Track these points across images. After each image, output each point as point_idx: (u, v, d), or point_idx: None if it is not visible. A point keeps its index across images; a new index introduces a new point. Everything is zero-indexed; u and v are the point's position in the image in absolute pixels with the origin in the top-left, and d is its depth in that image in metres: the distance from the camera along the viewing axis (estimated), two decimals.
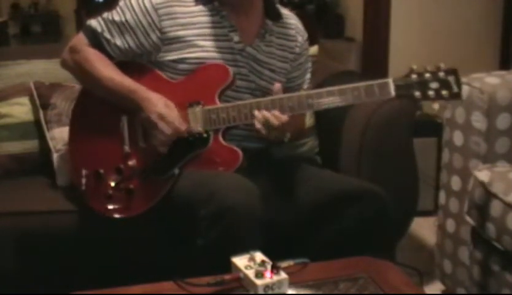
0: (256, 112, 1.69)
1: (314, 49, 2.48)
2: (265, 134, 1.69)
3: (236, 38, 1.84)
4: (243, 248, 1.38)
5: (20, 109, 2.23)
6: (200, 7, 1.84)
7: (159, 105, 1.73)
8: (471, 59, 3.29)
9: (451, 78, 1.62)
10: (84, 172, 1.82)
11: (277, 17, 1.92)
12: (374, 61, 3.65)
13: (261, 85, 1.88)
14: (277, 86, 1.74)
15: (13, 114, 2.22)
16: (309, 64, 2.04)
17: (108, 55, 1.83)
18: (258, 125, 1.68)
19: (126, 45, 1.82)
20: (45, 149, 2.16)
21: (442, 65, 1.63)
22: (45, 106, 2.18)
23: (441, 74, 1.63)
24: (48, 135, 2.15)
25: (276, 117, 1.68)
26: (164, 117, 1.72)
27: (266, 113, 1.68)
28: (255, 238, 1.53)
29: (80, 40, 1.86)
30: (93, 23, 1.85)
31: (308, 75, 2.02)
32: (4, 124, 2.21)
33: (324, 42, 3.85)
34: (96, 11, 1.90)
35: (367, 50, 3.78)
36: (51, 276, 1.85)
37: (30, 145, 2.21)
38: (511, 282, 1.85)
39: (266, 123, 1.67)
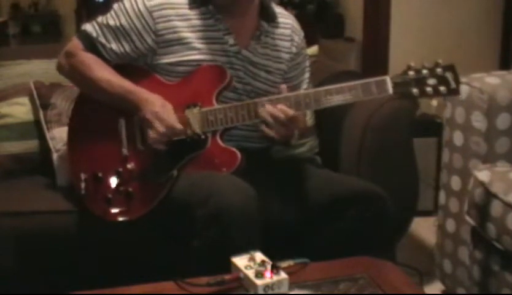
0: (260, 110, 1.68)
1: (314, 49, 2.48)
2: (272, 132, 1.67)
3: (231, 41, 1.83)
4: (240, 249, 1.38)
5: (20, 109, 2.23)
6: (194, 10, 1.83)
7: (156, 105, 1.73)
8: (471, 59, 3.29)
9: (449, 75, 1.62)
10: (83, 176, 1.81)
11: (272, 18, 1.91)
12: (374, 61, 3.65)
13: (258, 86, 1.88)
14: (283, 88, 1.73)
15: (13, 114, 2.22)
16: (307, 63, 2.03)
17: (104, 59, 1.83)
18: (263, 125, 1.67)
19: (122, 50, 1.82)
20: (45, 149, 2.16)
21: (440, 61, 1.63)
22: (45, 106, 2.18)
23: (439, 70, 1.62)
24: (48, 135, 2.15)
25: (283, 111, 1.66)
26: (159, 116, 1.71)
27: (271, 108, 1.67)
28: (252, 239, 1.53)
29: (76, 45, 1.85)
30: (88, 27, 1.85)
31: (307, 75, 2.01)
32: (4, 124, 2.21)
33: (324, 42, 3.85)
34: (96, 11, 1.90)
35: (367, 50, 3.78)
36: (51, 276, 1.85)
37: (30, 145, 2.21)
38: (511, 282, 1.85)
39: (273, 119, 1.66)
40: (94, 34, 1.83)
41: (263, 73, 1.89)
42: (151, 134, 1.72)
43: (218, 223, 1.54)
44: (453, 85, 1.62)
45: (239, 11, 1.85)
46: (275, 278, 1.29)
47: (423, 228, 2.77)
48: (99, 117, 1.85)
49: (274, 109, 1.66)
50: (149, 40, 1.81)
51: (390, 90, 1.64)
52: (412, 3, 3.56)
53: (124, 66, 1.84)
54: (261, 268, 1.31)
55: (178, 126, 1.73)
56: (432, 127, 2.99)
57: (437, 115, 2.95)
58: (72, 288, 1.37)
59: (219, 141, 1.75)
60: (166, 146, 1.74)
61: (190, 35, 1.81)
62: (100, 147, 1.83)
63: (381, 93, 1.65)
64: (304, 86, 1.98)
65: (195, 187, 1.66)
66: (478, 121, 2.01)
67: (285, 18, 1.97)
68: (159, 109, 1.72)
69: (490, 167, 1.99)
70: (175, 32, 1.80)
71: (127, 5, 1.82)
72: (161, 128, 1.71)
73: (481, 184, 1.93)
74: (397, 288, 1.37)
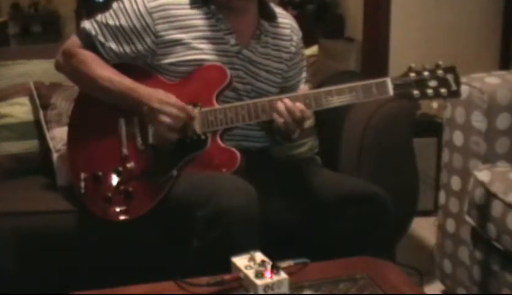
0: (279, 104, 1.68)
1: (314, 49, 2.48)
2: (283, 126, 1.68)
3: (232, 41, 1.83)
4: (240, 250, 1.38)
5: (20, 109, 2.23)
6: (195, 10, 1.83)
7: (160, 94, 1.73)
8: (471, 59, 3.29)
9: (449, 77, 1.62)
10: (83, 175, 1.81)
11: (272, 17, 1.91)
12: (374, 61, 3.64)
13: (258, 86, 1.88)
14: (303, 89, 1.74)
15: (13, 114, 2.22)
16: (304, 63, 2.04)
17: (102, 57, 1.82)
18: (279, 119, 1.67)
19: (121, 50, 1.81)
20: (45, 149, 2.16)
21: (440, 63, 1.63)
22: (45, 106, 2.18)
23: (440, 72, 1.62)
24: (48, 135, 2.15)
25: (300, 109, 1.66)
26: (167, 101, 1.71)
27: (290, 104, 1.67)
28: (252, 240, 1.53)
29: (74, 42, 1.85)
30: (87, 25, 1.84)
31: (304, 74, 2.02)
32: (4, 124, 2.21)
33: (324, 42, 3.85)
34: (95, 11, 1.90)
35: (367, 50, 3.78)
36: (51, 276, 1.85)
37: (30, 145, 2.21)
38: (511, 282, 1.85)
39: (290, 114, 1.66)
40: (93, 32, 1.82)
41: (263, 72, 1.89)
42: (164, 119, 1.70)
43: (219, 223, 1.54)
44: (454, 87, 1.62)
45: (240, 10, 1.85)
46: (275, 278, 1.29)
47: (423, 228, 2.77)
48: (99, 116, 1.85)
49: (292, 104, 1.67)
50: (148, 41, 1.80)
51: (391, 91, 1.64)
52: (412, 4, 3.55)
53: (124, 65, 1.83)
54: (261, 268, 1.31)
55: (188, 107, 1.72)
56: (432, 127, 2.99)
57: (437, 115, 2.95)
58: (72, 288, 1.37)
59: (219, 141, 1.75)
60: (176, 135, 1.73)
61: (190, 36, 1.81)
62: (100, 146, 1.83)
63: (381, 95, 1.65)
64: (301, 85, 1.98)
65: (196, 188, 1.66)
66: (478, 121, 2.01)
67: (284, 18, 1.97)
68: (164, 96, 1.72)
69: (490, 167, 1.99)
70: (175, 33, 1.80)
71: (127, 5, 1.81)
72: (173, 110, 1.70)
73: (481, 184, 1.93)
74: (397, 288, 1.37)
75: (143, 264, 1.81)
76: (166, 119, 1.70)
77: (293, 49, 1.96)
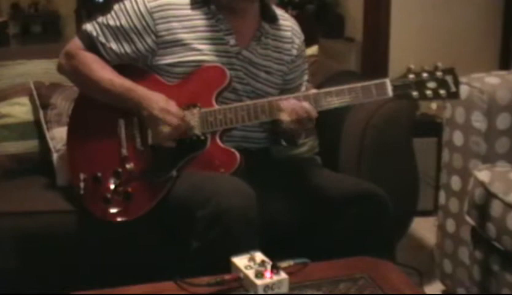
0: (284, 102, 1.68)
1: (313, 49, 2.48)
2: (291, 125, 1.67)
3: (232, 41, 1.83)
4: (240, 250, 1.39)
5: (20, 109, 2.23)
6: (196, 11, 1.83)
7: (160, 101, 1.73)
8: (471, 59, 3.29)
9: (449, 78, 1.62)
10: (82, 176, 1.81)
11: (273, 19, 1.91)
12: (374, 61, 3.64)
13: (257, 87, 1.87)
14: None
15: (13, 114, 2.22)
16: (306, 66, 2.03)
17: (104, 59, 1.82)
18: (283, 116, 1.67)
19: (122, 50, 1.82)
20: (45, 149, 2.16)
21: (440, 64, 1.63)
22: (45, 106, 2.18)
23: (439, 74, 1.63)
24: (48, 135, 2.15)
25: (304, 109, 1.66)
26: (168, 111, 1.71)
27: (295, 103, 1.67)
28: (252, 240, 1.53)
29: (76, 44, 1.85)
30: (88, 27, 1.84)
31: (305, 77, 2.02)
32: (4, 124, 2.21)
33: (324, 42, 3.85)
34: (96, 11, 1.90)
35: (367, 50, 3.78)
36: (51, 276, 1.85)
37: (30, 145, 2.21)
38: (511, 282, 1.85)
39: (293, 113, 1.66)
40: (94, 34, 1.82)
41: (263, 74, 1.89)
42: (164, 129, 1.72)
43: (219, 224, 1.54)
44: (453, 88, 1.62)
45: (241, 11, 1.85)
46: (275, 278, 1.29)
47: (423, 228, 2.77)
48: (98, 117, 1.85)
49: (297, 103, 1.66)
50: (149, 41, 1.80)
51: (390, 92, 1.65)
52: (412, 4, 3.55)
53: (124, 67, 1.83)
54: (261, 268, 1.31)
55: (187, 117, 1.73)
56: (432, 127, 2.99)
57: (437, 115, 2.95)
58: (72, 288, 1.37)
59: (218, 141, 1.75)
60: (174, 142, 1.74)
61: (190, 36, 1.81)
62: (99, 147, 1.83)
63: (381, 96, 1.66)
64: (303, 88, 1.98)
65: (195, 188, 1.66)
66: (478, 121, 2.01)
67: (286, 20, 1.96)
68: (166, 104, 1.72)
69: (490, 167, 1.99)
70: (175, 33, 1.80)
71: (127, 5, 1.82)
72: (175, 121, 1.71)
73: (481, 184, 1.93)
74: (397, 288, 1.37)
75: (143, 264, 1.81)
76: (167, 129, 1.71)
77: (294, 52, 1.96)
